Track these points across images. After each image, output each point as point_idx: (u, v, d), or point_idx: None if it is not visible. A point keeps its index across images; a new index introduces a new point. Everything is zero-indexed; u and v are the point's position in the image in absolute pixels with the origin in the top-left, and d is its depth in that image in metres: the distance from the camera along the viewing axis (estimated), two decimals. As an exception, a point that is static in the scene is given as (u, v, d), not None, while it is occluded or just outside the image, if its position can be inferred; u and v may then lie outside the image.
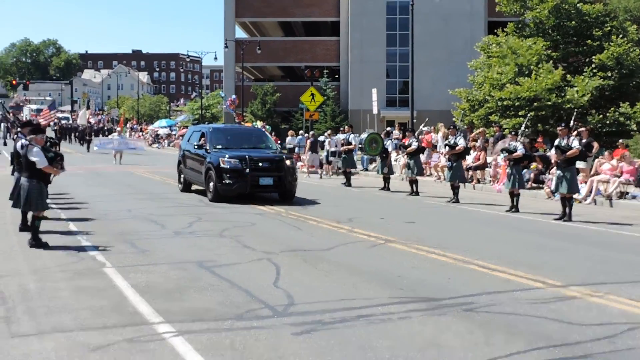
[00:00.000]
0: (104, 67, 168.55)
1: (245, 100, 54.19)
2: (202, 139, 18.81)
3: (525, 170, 19.29)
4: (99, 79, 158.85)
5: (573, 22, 29.93)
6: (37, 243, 10.48)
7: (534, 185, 20.76)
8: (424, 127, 27.90)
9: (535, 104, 27.59)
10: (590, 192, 18.45)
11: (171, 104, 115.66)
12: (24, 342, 5.93)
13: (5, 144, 46.75)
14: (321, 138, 31.57)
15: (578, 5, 30.10)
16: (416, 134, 22.51)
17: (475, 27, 51.67)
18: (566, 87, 28.14)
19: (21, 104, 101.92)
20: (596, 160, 19.87)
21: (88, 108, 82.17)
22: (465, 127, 27.16)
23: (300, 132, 34.30)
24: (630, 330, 6.45)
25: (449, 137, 19.32)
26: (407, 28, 44.88)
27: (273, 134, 38.71)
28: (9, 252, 10.22)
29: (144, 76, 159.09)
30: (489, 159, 23.27)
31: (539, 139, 25.11)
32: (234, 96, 53.25)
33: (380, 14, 53.83)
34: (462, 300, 7.46)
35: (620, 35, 29.02)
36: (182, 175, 20.12)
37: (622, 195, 18.30)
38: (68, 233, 12.01)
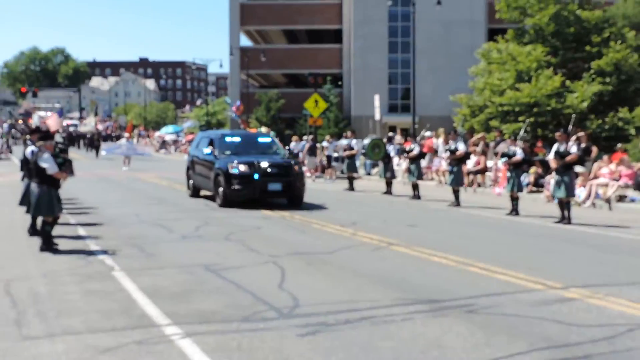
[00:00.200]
0: (112, 74, 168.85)
1: (250, 106, 54.29)
2: (211, 145, 18.73)
3: (524, 174, 19.29)
4: (106, 86, 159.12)
5: (572, 29, 29.91)
6: (47, 247, 10.52)
7: (534, 188, 20.75)
8: (426, 132, 27.91)
9: (535, 109, 27.58)
10: (590, 195, 18.44)
11: (177, 110, 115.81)
12: (34, 345, 5.96)
13: (11, 151, 46.81)
14: (325, 144, 31.59)
15: (577, 12, 30.11)
16: (417, 139, 22.54)
17: (475, 34, 51.66)
18: (566, 93, 28.15)
19: (31, 111, 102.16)
20: (595, 164, 19.87)
21: (96, 115, 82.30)
22: (465, 132, 27.16)
23: (304, 137, 34.33)
24: (630, 331, 6.45)
25: (450, 141, 19.33)
26: (408, 35, 44.93)
27: (277, 139, 38.70)
28: (20, 256, 10.26)
29: (150, 83, 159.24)
30: (490, 163, 23.27)
31: (539, 144, 25.13)
32: (238, 102, 53.34)
33: (382, 22, 53.85)
34: (464, 302, 7.47)
35: (619, 42, 28.99)
36: (191, 181, 19.98)
37: (621, 198, 18.31)
38: (77, 237, 12.05)
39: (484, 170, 23.06)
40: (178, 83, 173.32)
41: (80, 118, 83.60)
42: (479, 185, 22.94)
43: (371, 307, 7.22)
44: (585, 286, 8.34)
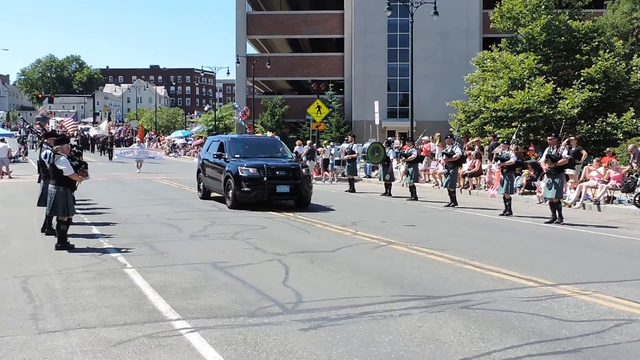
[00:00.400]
0: (124, 81, 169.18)
1: (255, 112, 54.29)
2: (221, 148, 18.66)
3: (517, 177, 19.27)
4: (119, 92, 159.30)
5: (563, 38, 29.96)
6: (62, 246, 10.53)
7: (526, 190, 20.73)
8: (423, 137, 27.92)
9: (527, 115, 27.60)
10: (580, 197, 18.43)
11: (187, 115, 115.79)
12: (50, 338, 5.97)
13: (27, 154, 46.94)
14: (320, 149, 31.65)
15: (568, 22, 30.16)
16: (415, 143, 22.54)
17: (471, 43, 51.68)
18: (557, 100, 28.15)
19: (47, 116, 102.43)
20: (585, 167, 19.87)
21: (109, 120, 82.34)
22: (461, 136, 27.17)
23: (308, 141, 34.34)
24: (617, 326, 6.45)
25: (446, 145, 19.33)
26: (407, 44, 44.85)
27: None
28: (36, 254, 10.27)
29: (161, 90, 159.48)
30: (484, 166, 23.25)
31: (531, 148, 25.13)
32: (245, 108, 53.40)
33: (382, 32, 53.89)
34: (460, 298, 7.47)
35: (608, 50, 29.01)
36: (202, 184, 19.92)
37: (610, 200, 18.30)
38: (91, 236, 12.06)
39: (478, 173, 23.04)
40: (187, 89, 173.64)
41: (94, 123, 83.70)
42: (474, 187, 22.92)
43: (371, 303, 7.22)
44: (575, 283, 8.34)
